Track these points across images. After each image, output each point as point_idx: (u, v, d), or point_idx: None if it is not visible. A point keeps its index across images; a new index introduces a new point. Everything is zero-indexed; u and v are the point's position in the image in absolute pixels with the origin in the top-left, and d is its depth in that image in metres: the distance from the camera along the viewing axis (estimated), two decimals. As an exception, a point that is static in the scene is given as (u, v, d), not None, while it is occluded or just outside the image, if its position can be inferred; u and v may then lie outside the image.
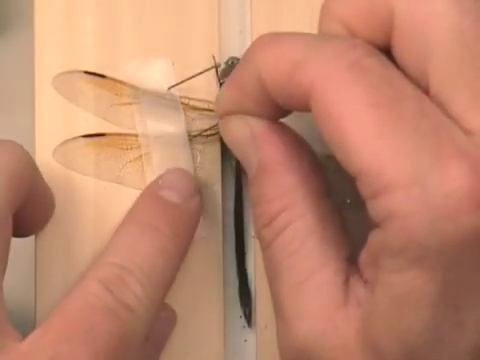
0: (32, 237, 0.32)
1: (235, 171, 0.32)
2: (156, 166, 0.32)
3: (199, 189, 0.30)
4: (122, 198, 0.32)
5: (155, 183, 0.30)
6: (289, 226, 0.25)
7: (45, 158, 0.32)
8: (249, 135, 0.26)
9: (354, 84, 0.21)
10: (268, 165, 0.26)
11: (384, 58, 0.22)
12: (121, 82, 0.32)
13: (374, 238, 0.22)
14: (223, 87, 0.27)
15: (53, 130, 0.32)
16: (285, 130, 0.27)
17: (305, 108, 0.23)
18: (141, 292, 0.26)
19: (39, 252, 0.31)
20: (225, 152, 0.32)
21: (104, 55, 0.32)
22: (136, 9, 0.32)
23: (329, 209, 0.25)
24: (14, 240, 0.34)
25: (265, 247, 0.26)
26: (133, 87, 0.32)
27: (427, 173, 0.20)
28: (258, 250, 0.29)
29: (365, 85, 0.21)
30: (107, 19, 0.32)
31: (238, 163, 0.32)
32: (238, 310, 0.32)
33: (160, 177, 0.30)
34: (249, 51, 0.25)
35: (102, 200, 0.32)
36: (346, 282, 0.24)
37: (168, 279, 0.28)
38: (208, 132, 0.32)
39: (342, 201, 0.31)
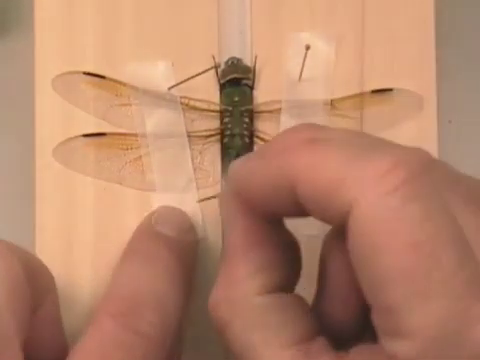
0: (32, 237, 0.32)
1: (235, 171, 0.32)
2: (156, 166, 0.32)
3: (193, 226, 0.30)
4: (122, 198, 0.32)
5: (148, 220, 0.30)
6: (231, 321, 0.24)
7: (45, 158, 0.32)
8: (230, 215, 0.25)
9: (395, 216, 0.19)
10: (231, 249, 0.25)
11: (427, 181, 0.20)
12: (121, 83, 0.32)
13: None
14: (241, 167, 0.25)
15: (53, 130, 0.32)
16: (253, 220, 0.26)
17: (340, 222, 0.21)
18: (155, 318, 0.25)
19: (39, 252, 0.31)
20: (225, 152, 0.32)
21: (104, 55, 0.32)
22: (136, 9, 0.32)
23: (282, 300, 0.24)
24: (13, 240, 0.34)
25: (221, 329, 0.25)
26: (133, 87, 0.32)
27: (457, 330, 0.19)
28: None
29: (406, 220, 0.19)
30: (107, 19, 0.32)
31: (238, 163, 0.32)
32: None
33: (153, 214, 0.30)
34: (282, 152, 0.23)
35: (102, 200, 0.32)
36: None
37: (180, 308, 0.27)
38: (208, 132, 0.32)
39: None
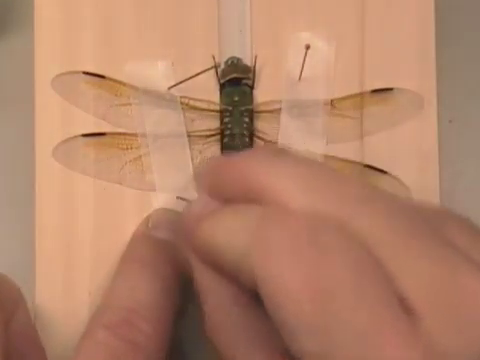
0: (32, 237, 0.32)
1: (235, 171, 0.32)
2: (156, 166, 0.32)
3: None
4: (122, 198, 0.32)
5: (145, 224, 0.30)
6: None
7: (45, 158, 0.32)
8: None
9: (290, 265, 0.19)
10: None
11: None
12: (121, 82, 0.32)
13: None
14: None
15: (53, 130, 0.32)
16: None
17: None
18: (148, 328, 0.26)
19: (39, 252, 0.31)
20: (225, 152, 0.32)
21: (104, 55, 0.32)
22: (136, 9, 0.32)
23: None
24: (13, 240, 0.34)
25: None
26: (133, 87, 0.32)
27: None
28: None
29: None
30: (107, 19, 0.32)
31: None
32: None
33: (149, 217, 0.30)
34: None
35: (102, 200, 0.32)
36: None
37: (172, 311, 0.27)
38: (208, 132, 0.32)
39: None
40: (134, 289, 0.27)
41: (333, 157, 0.32)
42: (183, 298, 0.28)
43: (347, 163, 0.31)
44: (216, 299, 0.23)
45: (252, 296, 0.22)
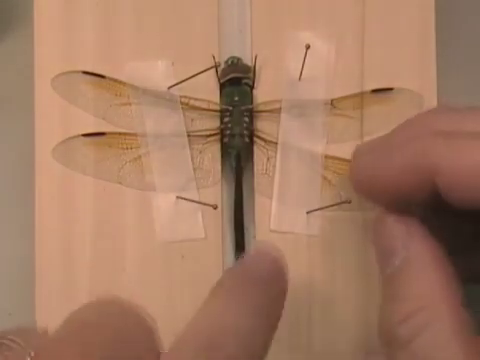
0: (31, 236, 0.32)
1: (235, 171, 0.32)
2: (155, 166, 0.32)
3: (286, 265, 0.29)
4: (122, 198, 0.32)
5: (241, 261, 0.29)
6: (428, 327, 0.23)
7: (45, 158, 0.31)
8: (405, 230, 0.25)
9: None
10: (415, 263, 0.25)
11: None
12: (121, 82, 0.32)
13: None
14: (366, 157, 0.26)
15: (52, 130, 0.32)
16: (427, 231, 0.26)
17: None
18: (238, 355, 0.24)
19: (39, 252, 0.31)
20: (225, 152, 0.32)
21: (104, 55, 0.32)
22: (136, 9, 0.32)
23: (465, 316, 0.24)
24: (13, 240, 0.34)
25: (400, 347, 0.24)
26: (133, 87, 0.32)
27: None
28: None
29: None
30: (107, 19, 0.32)
31: (238, 163, 0.32)
32: (238, 310, 0.32)
33: (247, 254, 0.29)
34: (418, 141, 0.24)
35: (102, 200, 0.32)
36: None
37: (265, 340, 0.26)
38: (208, 132, 0.32)
39: (345, 200, 0.31)
40: (223, 314, 0.25)
41: (333, 157, 0.32)
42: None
43: (347, 162, 0.31)
44: (443, 292, 0.24)
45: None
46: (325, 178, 0.32)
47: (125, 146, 0.32)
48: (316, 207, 0.31)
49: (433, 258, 0.25)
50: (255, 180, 0.32)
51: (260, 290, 0.27)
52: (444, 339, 0.23)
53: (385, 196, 0.25)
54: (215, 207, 0.31)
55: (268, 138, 0.32)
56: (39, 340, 0.25)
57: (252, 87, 0.32)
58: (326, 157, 0.32)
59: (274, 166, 0.32)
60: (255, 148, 0.32)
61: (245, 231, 0.32)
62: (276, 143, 0.32)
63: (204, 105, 0.32)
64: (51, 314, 0.31)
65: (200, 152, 0.32)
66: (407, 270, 0.25)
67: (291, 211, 0.32)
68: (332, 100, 0.32)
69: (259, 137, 0.32)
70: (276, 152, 0.32)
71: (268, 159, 0.32)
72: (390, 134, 0.26)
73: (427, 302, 0.24)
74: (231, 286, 0.27)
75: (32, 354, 0.24)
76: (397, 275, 0.25)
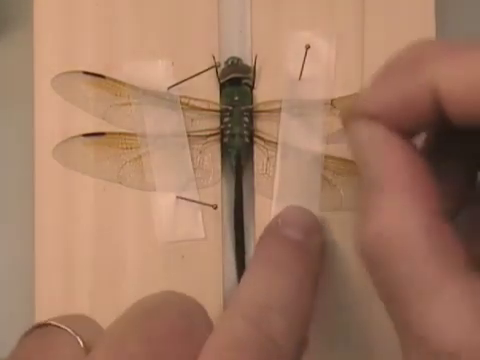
0: (31, 236, 0.32)
1: (235, 171, 0.32)
2: (156, 166, 0.32)
3: (319, 224, 0.30)
4: (122, 198, 0.32)
5: (275, 222, 0.29)
6: (400, 246, 0.23)
7: (45, 158, 0.31)
8: (382, 142, 0.24)
9: None
10: (384, 176, 0.24)
11: None
12: (120, 82, 0.32)
13: None
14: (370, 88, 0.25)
15: (52, 130, 0.32)
16: (410, 145, 0.25)
17: None
18: (285, 328, 0.25)
19: (39, 252, 0.31)
20: (225, 152, 0.32)
21: (104, 55, 0.32)
22: (136, 9, 0.32)
23: (448, 226, 0.24)
24: (13, 240, 0.34)
25: (371, 267, 0.24)
26: (133, 87, 0.32)
27: None
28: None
29: None
30: (107, 19, 0.32)
31: (238, 163, 0.32)
32: (238, 310, 0.32)
33: (279, 216, 0.30)
34: (418, 60, 0.24)
35: (102, 200, 0.32)
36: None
37: (307, 315, 0.27)
38: (208, 132, 0.32)
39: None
40: (269, 287, 0.26)
41: (333, 157, 0.32)
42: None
43: (347, 162, 0.31)
44: (415, 209, 0.23)
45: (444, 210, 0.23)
46: (325, 178, 0.32)
47: (125, 146, 0.32)
48: (316, 207, 0.31)
49: (408, 175, 0.24)
50: (255, 180, 0.32)
51: (301, 263, 0.27)
52: (416, 263, 0.23)
53: (394, 122, 0.24)
54: (215, 207, 0.31)
55: (268, 138, 0.32)
56: (92, 329, 0.25)
57: (252, 87, 0.32)
58: (326, 157, 0.32)
59: (274, 166, 0.32)
60: (255, 148, 0.32)
61: (245, 231, 0.32)
62: (276, 143, 0.32)
63: (204, 105, 0.32)
64: (51, 314, 0.30)
65: (200, 152, 0.32)
66: (379, 185, 0.24)
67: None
68: (332, 100, 0.32)
69: (259, 137, 0.32)
70: (276, 152, 0.32)
71: (268, 159, 0.32)
72: (389, 63, 0.25)
73: (402, 217, 0.23)
74: (274, 258, 0.27)
75: (80, 340, 0.24)
76: (370, 187, 0.24)
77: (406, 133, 0.24)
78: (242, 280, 0.27)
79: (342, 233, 0.32)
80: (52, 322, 0.25)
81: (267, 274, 0.27)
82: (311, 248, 0.28)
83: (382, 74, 0.24)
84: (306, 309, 0.27)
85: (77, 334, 0.24)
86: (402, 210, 0.23)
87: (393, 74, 0.24)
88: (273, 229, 0.29)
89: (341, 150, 0.32)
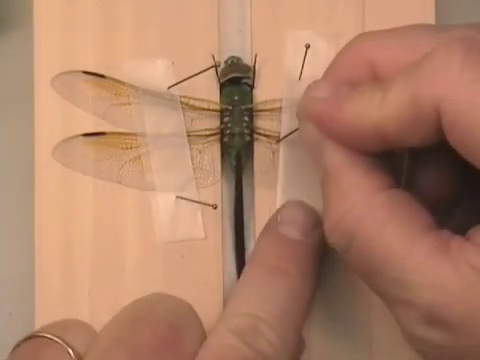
0: (31, 236, 0.32)
1: (235, 171, 0.32)
2: (155, 166, 0.32)
3: (320, 221, 0.29)
4: (122, 198, 0.32)
5: (274, 220, 0.29)
6: (360, 226, 0.24)
7: (45, 157, 0.31)
8: (317, 139, 0.26)
9: None
10: (330, 169, 0.25)
11: None
12: (120, 82, 0.32)
13: None
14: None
15: (52, 130, 0.32)
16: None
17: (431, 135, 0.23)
18: (275, 339, 0.25)
19: (39, 252, 0.31)
20: (225, 152, 0.32)
21: (104, 55, 0.32)
22: (136, 9, 0.32)
23: (401, 196, 0.25)
24: (13, 240, 0.34)
25: (344, 253, 0.25)
26: (132, 87, 0.32)
27: None
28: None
29: None
30: (107, 19, 0.32)
31: (238, 163, 0.32)
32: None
33: (278, 212, 0.30)
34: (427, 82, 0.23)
35: (102, 200, 0.32)
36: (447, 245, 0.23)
37: (300, 319, 0.27)
38: (208, 132, 0.32)
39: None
40: (261, 296, 0.26)
41: None
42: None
43: None
44: (361, 189, 0.24)
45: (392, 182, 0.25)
46: None
47: (125, 146, 0.32)
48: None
49: (347, 159, 0.25)
50: (258, 177, 0.32)
51: (297, 268, 0.27)
52: (378, 236, 0.23)
53: (370, 140, 0.24)
54: (215, 207, 0.31)
55: (270, 133, 0.32)
56: (85, 337, 0.25)
57: (252, 86, 0.32)
58: None
59: (278, 159, 0.32)
60: (257, 145, 0.32)
61: (245, 231, 0.32)
62: (279, 137, 0.32)
63: (204, 105, 0.32)
64: (51, 314, 0.31)
65: (200, 152, 0.32)
66: (328, 177, 0.25)
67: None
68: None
69: (260, 134, 0.32)
70: (280, 146, 0.32)
71: (273, 153, 0.32)
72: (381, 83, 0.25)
73: (351, 205, 0.24)
74: (269, 262, 0.27)
75: (71, 352, 0.24)
76: (324, 183, 0.25)
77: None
78: (236, 285, 0.27)
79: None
80: (45, 334, 0.25)
81: (261, 281, 0.27)
82: (310, 247, 0.28)
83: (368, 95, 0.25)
84: (301, 313, 0.27)
85: (69, 346, 0.24)
86: (349, 193, 0.24)
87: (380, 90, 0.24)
88: (272, 226, 0.29)
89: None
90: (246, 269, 0.28)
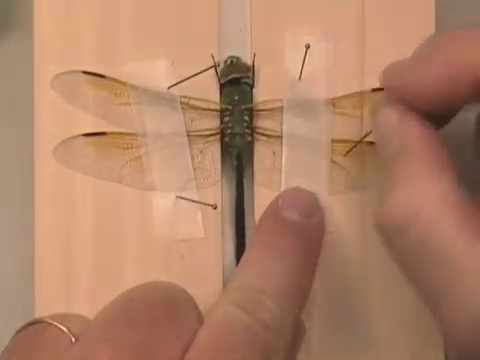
0: (31, 236, 0.32)
1: (236, 171, 0.32)
2: (156, 166, 0.32)
3: (320, 206, 0.29)
4: (122, 198, 0.32)
5: (275, 203, 0.29)
6: (421, 213, 0.24)
7: (45, 157, 0.31)
8: (397, 121, 0.26)
9: None
10: (408, 150, 0.25)
11: None
12: (120, 82, 0.32)
13: None
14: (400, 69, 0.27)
15: (52, 130, 0.32)
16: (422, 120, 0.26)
17: None
18: (276, 309, 0.25)
19: (39, 252, 0.31)
20: (226, 152, 0.32)
21: (104, 55, 0.32)
22: (136, 8, 0.32)
23: (464, 197, 0.24)
24: (13, 239, 0.34)
25: (396, 235, 0.24)
26: (132, 87, 0.32)
27: None
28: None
29: None
30: (107, 19, 0.32)
31: (239, 163, 0.32)
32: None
33: (280, 197, 0.29)
34: (456, 46, 0.25)
35: (102, 200, 0.32)
36: None
37: (300, 297, 0.27)
38: (208, 132, 0.32)
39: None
40: (261, 271, 0.27)
41: (339, 140, 0.32)
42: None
43: (352, 144, 0.31)
44: (446, 172, 0.24)
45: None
46: (333, 161, 0.32)
47: (125, 146, 0.32)
48: (326, 192, 0.32)
49: (426, 146, 0.25)
50: (259, 176, 0.32)
51: (298, 246, 0.27)
52: (438, 225, 0.23)
53: (429, 105, 0.25)
54: (215, 207, 0.31)
55: (271, 133, 0.32)
56: (84, 325, 0.25)
57: (252, 86, 0.32)
58: (332, 141, 0.32)
59: (281, 158, 0.32)
60: (258, 145, 0.32)
61: (245, 231, 0.32)
62: (280, 137, 0.32)
63: (204, 105, 0.32)
64: (51, 313, 0.31)
65: (200, 152, 0.32)
66: (400, 158, 0.25)
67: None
68: (332, 99, 0.32)
69: (261, 133, 0.32)
70: (281, 145, 0.32)
71: (274, 153, 0.32)
72: (423, 46, 0.26)
73: (419, 190, 0.24)
74: (271, 241, 0.27)
75: (73, 339, 0.24)
76: (392, 163, 0.25)
77: (427, 115, 0.25)
78: (239, 264, 0.28)
79: (343, 232, 0.32)
80: (45, 319, 0.25)
81: (262, 258, 0.27)
82: (310, 229, 0.28)
83: (421, 55, 0.26)
84: (301, 292, 0.27)
85: (70, 331, 0.25)
86: (432, 173, 0.24)
87: (433, 56, 0.25)
88: (273, 210, 0.29)
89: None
90: (247, 250, 0.28)
